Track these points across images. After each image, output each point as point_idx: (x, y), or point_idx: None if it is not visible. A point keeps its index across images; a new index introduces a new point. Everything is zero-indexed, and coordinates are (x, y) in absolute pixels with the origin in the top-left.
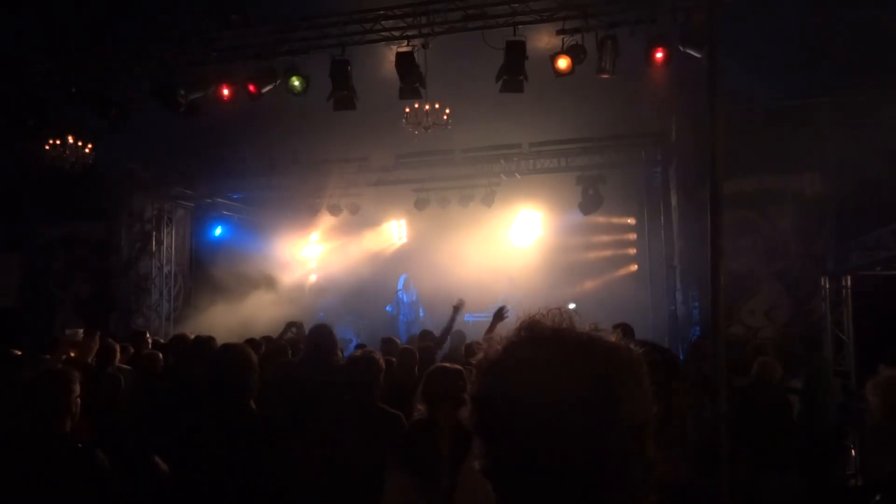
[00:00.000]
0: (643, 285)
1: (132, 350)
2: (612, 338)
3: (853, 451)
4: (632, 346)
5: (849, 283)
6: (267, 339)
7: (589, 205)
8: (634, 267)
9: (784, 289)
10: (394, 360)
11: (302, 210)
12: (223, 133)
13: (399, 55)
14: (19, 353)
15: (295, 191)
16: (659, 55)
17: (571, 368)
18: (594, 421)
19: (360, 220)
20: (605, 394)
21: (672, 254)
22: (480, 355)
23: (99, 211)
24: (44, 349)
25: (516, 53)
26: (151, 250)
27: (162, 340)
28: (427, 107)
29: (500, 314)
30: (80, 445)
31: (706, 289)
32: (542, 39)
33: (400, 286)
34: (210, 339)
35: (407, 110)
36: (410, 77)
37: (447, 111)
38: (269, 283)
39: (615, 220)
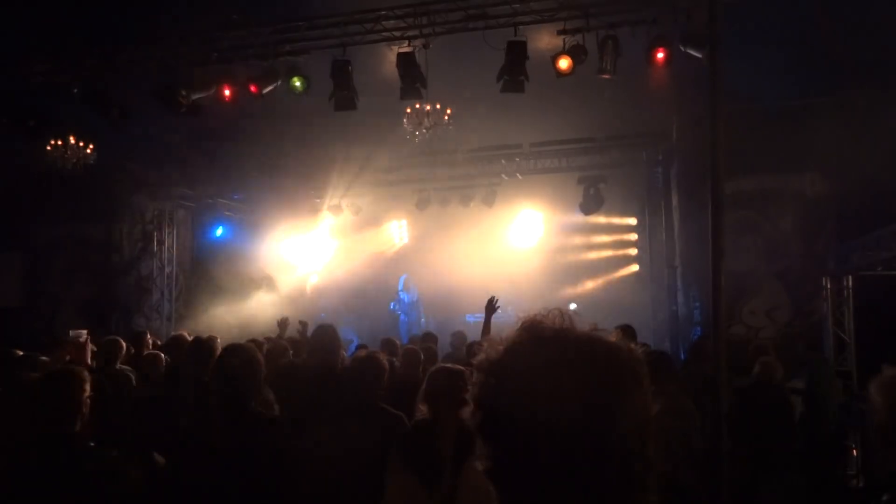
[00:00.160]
0: (644, 285)
1: (132, 351)
2: (613, 338)
3: (854, 452)
4: (632, 346)
5: (850, 283)
6: (269, 339)
7: (590, 205)
8: (635, 267)
9: (785, 289)
10: (395, 360)
11: (303, 210)
12: (224, 133)
13: (400, 55)
14: (20, 353)
15: (296, 191)
16: (660, 55)
17: (572, 369)
18: (595, 421)
19: (361, 221)
20: (606, 394)
21: (673, 254)
22: (481, 356)
23: (100, 211)
24: (46, 350)
25: (517, 54)
26: (152, 250)
27: (159, 342)
28: (428, 107)
29: (490, 306)
30: (91, 445)
31: (707, 289)
32: (543, 40)
33: (400, 286)
34: (210, 340)
35: (408, 110)
36: (411, 77)
37: (448, 111)
38: (269, 283)
39: (616, 220)
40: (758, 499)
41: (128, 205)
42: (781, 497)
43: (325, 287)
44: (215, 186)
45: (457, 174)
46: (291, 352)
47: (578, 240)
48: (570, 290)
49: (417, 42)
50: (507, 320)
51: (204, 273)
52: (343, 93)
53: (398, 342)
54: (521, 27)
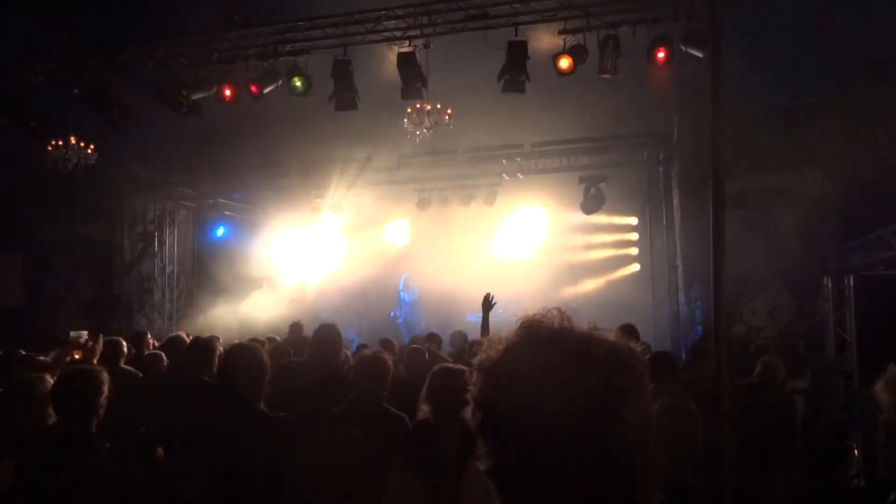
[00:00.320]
0: (645, 285)
1: (133, 351)
2: (612, 337)
3: (856, 451)
4: (632, 345)
5: (851, 282)
6: (270, 338)
7: (591, 204)
8: (636, 267)
9: (786, 288)
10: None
11: (304, 210)
12: (225, 134)
13: (401, 55)
14: (23, 353)
15: (297, 191)
16: (661, 55)
17: (572, 368)
18: (595, 420)
19: (361, 220)
20: (606, 393)
21: (674, 253)
22: (481, 356)
23: (101, 211)
24: (48, 350)
25: (518, 53)
26: (154, 251)
27: (156, 343)
28: (429, 107)
29: (487, 304)
30: (108, 445)
31: (708, 288)
32: (544, 39)
33: (401, 286)
34: (210, 340)
35: (409, 110)
36: (412, 77)
37: (449, 111)
38: (270, 283)
39: (617, 219)
40: (759, 499)
41: (129, 205)
42: (783, 497)
43: (325, 287)
44: (216, 187)
45: (457, 174)
46: (293, 351)
47: (579, 239)
48: (571, 290)
49: (418, 42)
50: (508, 319)
51: (205, 273)
52: (344, 93)
53: (395, 343)
54: (521, 27)
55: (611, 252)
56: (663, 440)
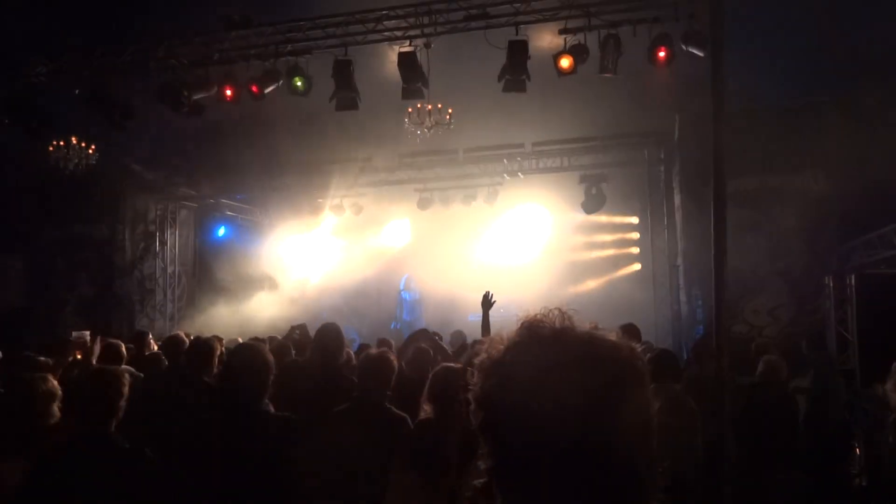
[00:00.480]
0: (646, 284)
1: (134, 351)
2: (613, 336)
3: (858, 450)
4: (633, 344)
5: (852, 281)
6: (271, 338)
7: (592, 204)
8: (637, 266)
9: (787, 287)
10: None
11: (305, 210)
12: (226, 134)
13: (401, 55)
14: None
15: (298, 191)
16: (661, 54)
17: (573, 368)
18: (597, 420)
19: (363, 220)
20: (608, 393)
21: (675, 253)
22: (483, 355)
23: (102, 212)
24: (50, 350)
25: (519, 53)
26: (155, 251)
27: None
28: (429, 107)
29: (487, 302)
30: (126, 446)
31: (710, 287)
32: (545, 39)
33: (402, 286)
34: (210, 340)
35: (409, 110)
36: (413, 77)
37: (450, 111)
38: (271, 283)
39: (618, 219)
40: (761, 498)
41: (130, 205)
42: (785, 496)
43: (326, 287)
44: (217, 186)
45: (458, 174)
46: (294, 351)
47: (580, 239)
48: (572, 289)
49: (419, 42)
50: (509, 319)
51: (206, 273)
52: (345, 93)
53: (393, 342)
54: (522, 26)
55: (612, 251)
56: (663, 439)
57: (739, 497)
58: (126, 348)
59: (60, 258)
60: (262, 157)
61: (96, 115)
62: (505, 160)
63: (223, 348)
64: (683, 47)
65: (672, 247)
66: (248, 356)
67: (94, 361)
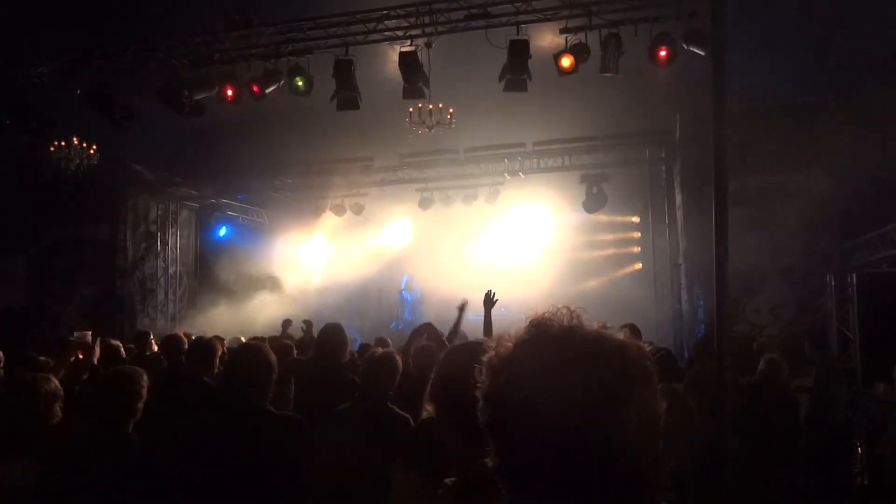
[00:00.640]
0: (647, 284)
1: (135, 351)
2: (621, 336)
3: (859, 449)
4: (641, 343)
5: (854, 280)
6: (272, 338)
7: (593, 203)
8: (639, 265)
9: (789, 286)
10: None
11: (306, 210)
12: (227, 134)
13: (402, 55)
14: (27, 353)
15: (299, 191)
16: (663, 53)
17: (581, 366)
18: (604, 418)
19: (364, 220)
20: (615, 391)
21: (676, 252)
22: (491, 353)
23: (104, 212)
24: (51, 351)
25: (520, 52)
26: (156, 251)
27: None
28: (430, 106)
29: (489, 301)
30: (143, 446)
31: (711, 287)
32: (546, 38)
33: (403, 286)
34: (211, 340)
35: (410, 110)
36: (414, 77)
37: (451, 111)
38: (273, 283)
39: (619, 218)
40: (762, 497)
41: (131, 205)
42: (786, 496)
43: (327, 287)
44: (219, 187)
45: (459, 173)
46: (296, 350)
47: (582, 238)
48: (574, 289)
49: (420, 41)
50: (511, 318)
51: (208, 273)
52: (346, 92)
53: (392, 342)
54: (523, 26)
55: (613, 251)
56: (666, 438)
57: (740, 496)
58: (127, 349)
59: (61, 258)
60: (264, 157)
61: (97, 116)
62: (506, 160)
63: (224, 348)
64: (684, 46)
65: (673, 246)
66: (251, 356)
67: (95, 362)
